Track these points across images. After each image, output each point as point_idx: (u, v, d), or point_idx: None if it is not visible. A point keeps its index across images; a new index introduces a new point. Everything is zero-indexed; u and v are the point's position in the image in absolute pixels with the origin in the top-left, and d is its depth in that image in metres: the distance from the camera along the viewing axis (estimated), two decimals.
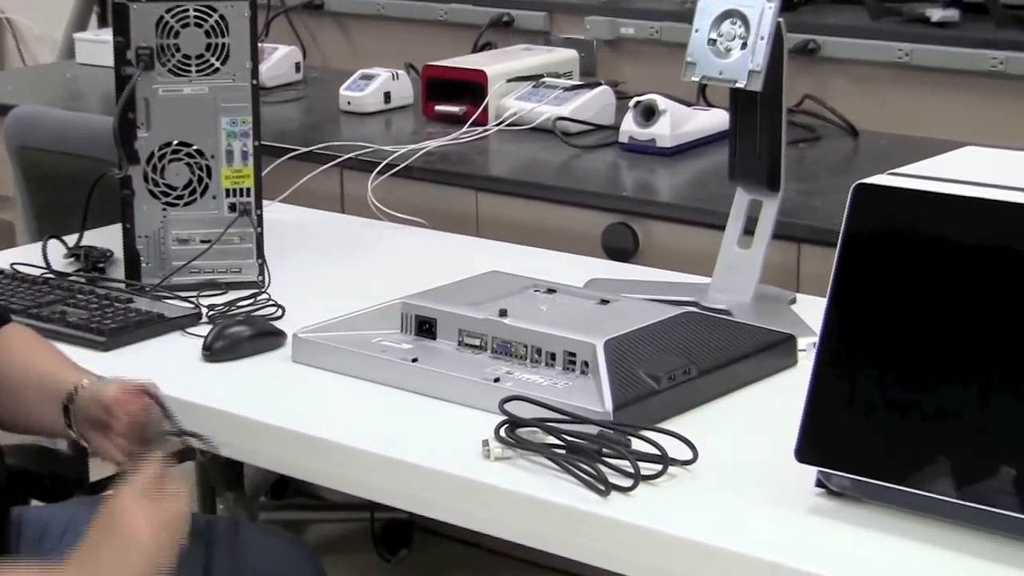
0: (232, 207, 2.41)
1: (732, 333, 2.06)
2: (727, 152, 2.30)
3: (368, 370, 2.05)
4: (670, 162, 2.96)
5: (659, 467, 1.74)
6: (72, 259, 2.52)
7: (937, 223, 1.63)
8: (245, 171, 2.40)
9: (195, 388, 2.04)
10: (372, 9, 3.92)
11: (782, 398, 1.93)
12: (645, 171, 2.94)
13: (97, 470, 2.41)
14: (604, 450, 1.76)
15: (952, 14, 3.18)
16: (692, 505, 1.70)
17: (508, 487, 1.75)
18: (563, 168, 2.98)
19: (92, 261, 2.50)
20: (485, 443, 1.81)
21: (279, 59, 3.69)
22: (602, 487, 1.71)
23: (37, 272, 2.45)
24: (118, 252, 2.47)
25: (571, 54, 3.48)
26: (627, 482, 1.71)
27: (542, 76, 3.30)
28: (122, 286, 2.39)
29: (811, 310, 2.15)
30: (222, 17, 2.36)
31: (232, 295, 2.37)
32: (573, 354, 1.97)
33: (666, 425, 1.84)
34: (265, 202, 2.46)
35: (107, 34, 3.43)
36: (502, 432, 1.82)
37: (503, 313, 2.06)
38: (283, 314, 2.28)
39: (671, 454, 1.75)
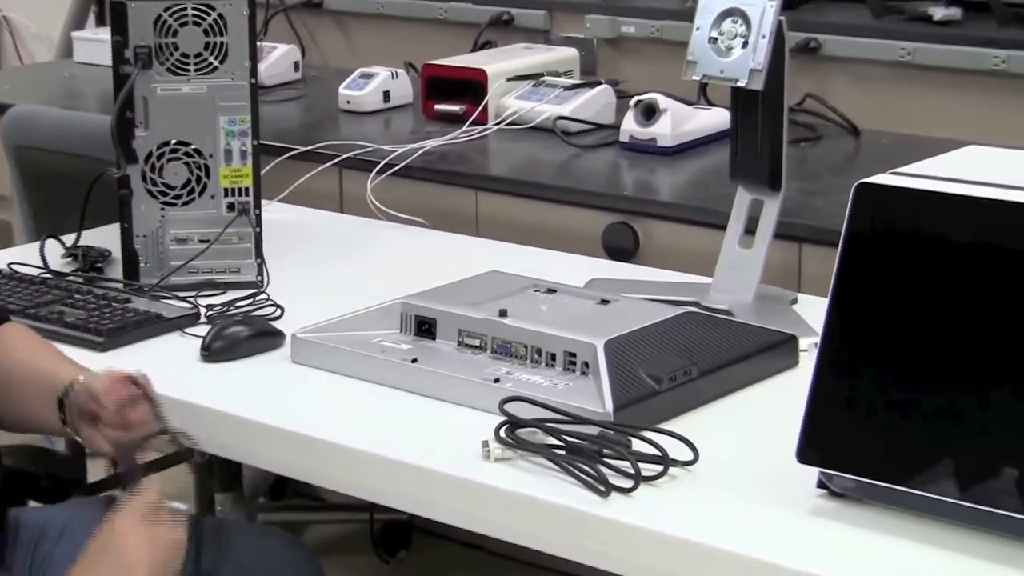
0: (231, 207, 2.40)
1: (733, 333, 2.06)
2: (728, 151, 2.30)
3: (367, 370, 2.04)
4: (671, 161, 2.95)
5: (660, 468, 1.73)
6: (70, 259, 2.52)
7: (939, 223, 1.63)
8: (244, 170, 2.40)
9: (193, 388, 2.03)
10: (371, 7, 3.91)
11: (783, 399, 1.92)
12: (646, 170, 2.93)
13: (95, 471, 2.40)
14: (604, 451, 1.75)
15: (954, 13, 3.18)
16: (693, 506, 1.69)
17: (508, 488, 1.75)
18: (563, 167, 2.97)
19: (90, 261, 2.49)
20: (485, 444, 1.81)
21: (278, 58, 3.68)
22: (602, 488, 1.70)
23: (35, 272, 2.44)
24: (116, 252, 2.46)
25: (571, 53, 3.47)
26: (627, 483, 1.70)
27: (542, 75, 3.29)
28: (120, 286, 2.38)
29: (812, 310, 2.14)
30: (220, 16, 2.35)
31: (231, 295, 2.36)
32: (573, 354, 1.96)
33: (667, 426, 1.84)
34: (264, 202, 2.45)
35: (105, 33, 3.41)
36: (502, 433, 1.81)
37: (503, 313, 2.05)
38: (282, 314, 2.28)
39: (672, 455, 1.74)
